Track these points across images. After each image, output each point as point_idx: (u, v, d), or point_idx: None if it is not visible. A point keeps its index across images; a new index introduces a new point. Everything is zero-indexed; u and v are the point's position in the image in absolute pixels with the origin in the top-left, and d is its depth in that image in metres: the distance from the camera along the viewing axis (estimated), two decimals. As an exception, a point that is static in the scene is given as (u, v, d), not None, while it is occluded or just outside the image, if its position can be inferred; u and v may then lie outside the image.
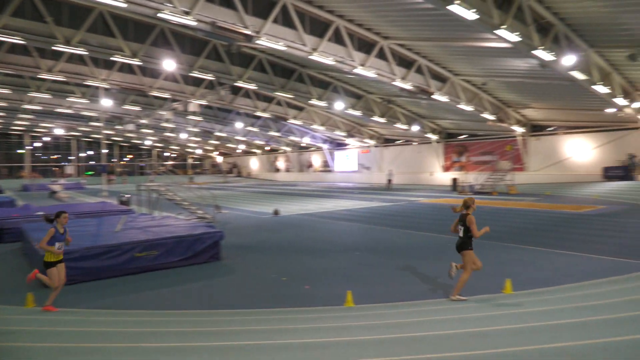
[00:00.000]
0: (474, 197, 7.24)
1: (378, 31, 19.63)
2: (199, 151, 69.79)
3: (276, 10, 16.21)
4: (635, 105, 23.55)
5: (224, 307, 6.94)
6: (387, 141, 44.16)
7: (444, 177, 37.11)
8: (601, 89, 20.14)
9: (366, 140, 43.96)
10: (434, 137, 38.20)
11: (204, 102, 31.00)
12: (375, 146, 44.71)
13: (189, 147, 66.50)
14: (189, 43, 21.90)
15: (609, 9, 14.68)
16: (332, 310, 6.59)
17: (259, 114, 35.21)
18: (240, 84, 24.73)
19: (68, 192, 36.73)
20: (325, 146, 49.68)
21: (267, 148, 59.18)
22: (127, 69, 24.76)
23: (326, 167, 52.06)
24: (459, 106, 26.18)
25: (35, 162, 59.54)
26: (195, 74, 23.03)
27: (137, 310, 6.81)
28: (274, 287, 8.05)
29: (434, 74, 23.60)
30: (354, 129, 42.41)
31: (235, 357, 4.72)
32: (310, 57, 18.14)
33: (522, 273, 8.37)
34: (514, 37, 14.78)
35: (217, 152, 70.70)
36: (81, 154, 63.80)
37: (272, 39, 16.52)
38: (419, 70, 22.62)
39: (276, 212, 19.24)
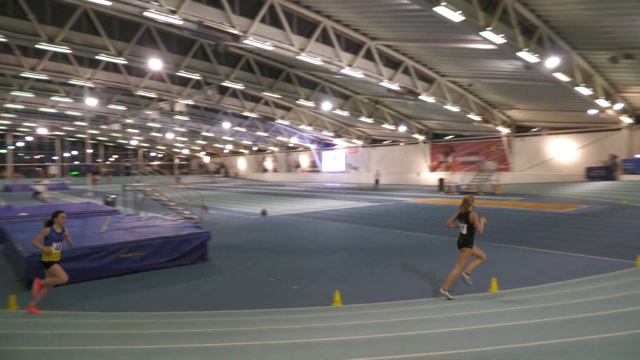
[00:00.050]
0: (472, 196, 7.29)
1: (365, 32, 19.71)
2: (186, 151, 69.20)
3: (263, 10, 16.17)
4: (617, 106, 24.04)
5: (212, 308, 6.90)
6: (374, 141, 44.34)
7: (431, 177, 37.40)
8: (584, 90, 20.52)
9: (354, 140, 44.08)
10: (420, 137, 38.48)
11: (190, 102, 30.77)
12: (363, 146, 44.86)
13: (176, 147, 65.91)
14: (175, 42, 21.71)
15: (592, 12, 14.96)
16: (320, 311, 6.60)
17: (246, 114, 35.07)
18: (227, 83, 24.60)
19: (52, 193, 36.12)
20: (313, 146, 49.70)
21: (255, 148, 58.96)
22: (112, 67, 24.42)
23: (314, 168, 52.08)
24: (445, 107, 26.42)
25: (17, 162, 58.39)
26: (182, 74, 22.85)
27: (123, 312, 6.73)
28: (261, 288, 8.03)
29: (420, 75, 23.78)
30: (342, 129, 42.49)
31: (223, 358, 4.69)
32: (298, 57, 18.14)
33: (507, 272, 8.48)
34: (499, 39, 14.97)
35: (204, 152, 70.22)
36: (65, 154, 62.77)
37: (259, 39, 16.48)
38: (406, 71, 22.76)
39: (264, 213, 19.19)
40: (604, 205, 19.81)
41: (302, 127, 39.17)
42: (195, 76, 23.52)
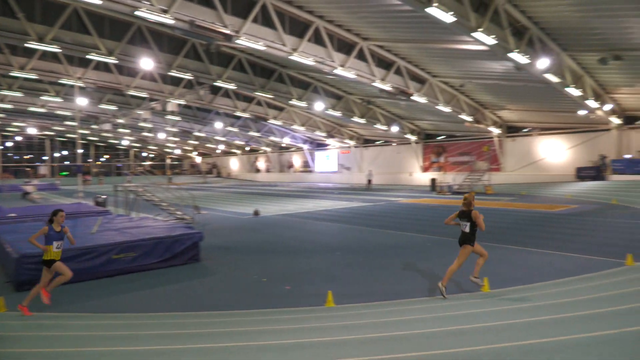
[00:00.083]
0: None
1: (358, 32, 19.75)
2: (178, 151, 68.82)
3: (256, 10, 16.12)
4: (606, 107, 24.32)
5: (204, 308, 6.87)
6: (367, 142, 44.43)
7: (423, 178, 37.55)
8: (574, 91, 20.72)
9: (346, 140, 44.14)
10: (413, 137, 38.62)
11: (182, 102, 30.61)
12: (355, 147, 44.93)
13: (168, 147, 65.53)
14: (167, 41, 21.58)
15: (581, 14, 15.12)
16: (313, 311, 6.60)
17: (238, 114, 34.97)
18: (219, 83, 24.50)
19: (42, 193, 35.76)
20: (305, 146, 49.68)
21: (247, 148, 58.79)
22: (103, 67, 24.22)
23: (306, 168, 52.05)
24: (437, 107, 26.54)
25: (6, 162, 57.69)
26: (174, 73, 22.70)
27: (114, 314, 6.68)
28: (254, 288, 8.01)
29: (412, 76, 23.88)
30: (334, 130, 42.52)
31: (217, 358, 4.68)
32: (290, 57, 18.11)
33: (499, 271, 8.53)
34: (490, 40, 15.08)
35: (196, 153, 69.89)
36: (55, 154, 62.16)
37: (251, 39, 16.43)
38: (398, 72, 22.84)
39: (256, 213, 19.15)
40: (593, 205, 20.02)
41: (295, 127, 39.14)
42: (187, 76, 23.39)
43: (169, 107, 26.61)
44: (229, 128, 43.71)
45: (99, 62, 23.14)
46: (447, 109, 26.93)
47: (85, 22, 18.07)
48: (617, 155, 27.32)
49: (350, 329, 5.53)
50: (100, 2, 12.82)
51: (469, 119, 29.26)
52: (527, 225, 14.75)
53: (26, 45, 17.32)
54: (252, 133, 45.96)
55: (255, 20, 16.37)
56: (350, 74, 20.58)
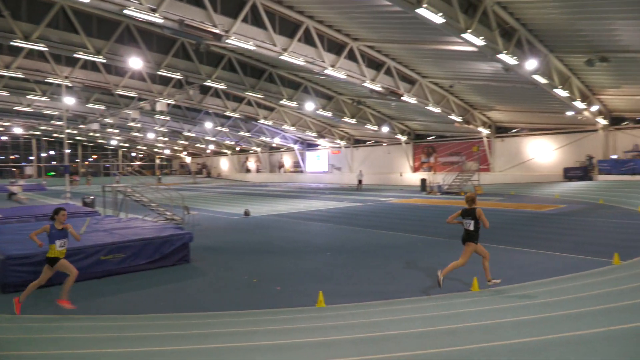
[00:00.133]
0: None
1: (348, 32, 19.78)
2: (167, 151, 68.33)
3: (246, 10, 16.07)
4: (593, 108, 24.66)
5: (194, 309, 6.82)
6: (357, 142, 44.53)
7: (414, 178, 37.76)
8: (561, 92, 21.00)
9: (337, 141, 44.19)
10: (403, 138, 38.79)
11: (172, 102, 30.37)
12: (346, 147, 45.01)
13: (157, 147, 65.02)
14: (156, 41, 21.39)
15: (568, 16, 15.32)
16: (303, 311, 6.58)
17: (229, 114, 34.79)
18: (209, 83, 24.37)
19: (28, 194, 35.21)
20: (296, 147, 49.63)
21: (238, 148, 58.57)
22: (90, 66, 23.94)
23: (297, 168, 52.00)
24: (427, 108, 26.69)
25: (-9, 162, 56.85)
26: (163, 73, 22.52)
27: (103, 315, 6.60)
28: (245, 289, 7.97)
29: (403, 76, 23.98)
30: (325, 130, 42.55)
31: (208, 359, 4.65)
32: (281, 57, 18.08)
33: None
34: (479, 41, 15.21)
35: (186, 153, 69.44)
36: (42, 154, 61.32)
37: (241, 39, 16.37)
38: (388, 72, 22.93)
39: (247, 213, 19.07)
40: (581, 204, 20.28)
41: (285, 127, 39.08)
42: (177, 75, 23.21)
43: (158, 107, 26.34)
44: (219, 128, 43.50)
45: (86, 61, 22.86)
46: (437, 110, 27.09)
47: (73, 21, 17.83)
48: (603, 155, 27.72)
49: (341, 329, 5.52)
50: (88, 1, 12.67)
51: (459, 119, 29.47)
52: (515, 225, 14.88)
53: (12, 43, 17.06)
54: (242, 133, 45.79)
55: (245, 20, 16.32)
56: (341, 75, 20.61)
